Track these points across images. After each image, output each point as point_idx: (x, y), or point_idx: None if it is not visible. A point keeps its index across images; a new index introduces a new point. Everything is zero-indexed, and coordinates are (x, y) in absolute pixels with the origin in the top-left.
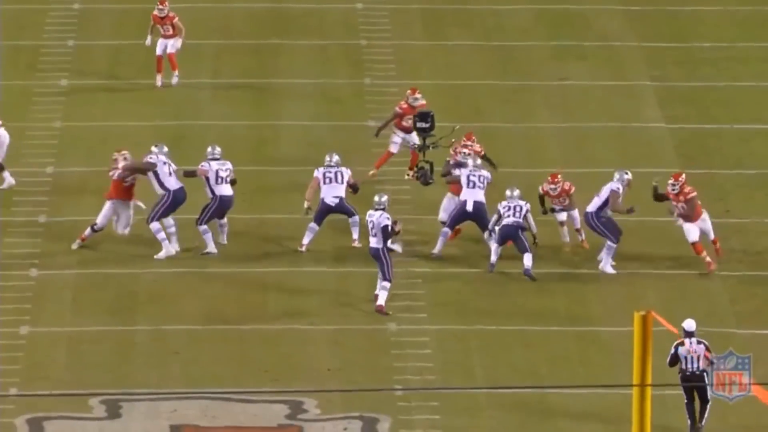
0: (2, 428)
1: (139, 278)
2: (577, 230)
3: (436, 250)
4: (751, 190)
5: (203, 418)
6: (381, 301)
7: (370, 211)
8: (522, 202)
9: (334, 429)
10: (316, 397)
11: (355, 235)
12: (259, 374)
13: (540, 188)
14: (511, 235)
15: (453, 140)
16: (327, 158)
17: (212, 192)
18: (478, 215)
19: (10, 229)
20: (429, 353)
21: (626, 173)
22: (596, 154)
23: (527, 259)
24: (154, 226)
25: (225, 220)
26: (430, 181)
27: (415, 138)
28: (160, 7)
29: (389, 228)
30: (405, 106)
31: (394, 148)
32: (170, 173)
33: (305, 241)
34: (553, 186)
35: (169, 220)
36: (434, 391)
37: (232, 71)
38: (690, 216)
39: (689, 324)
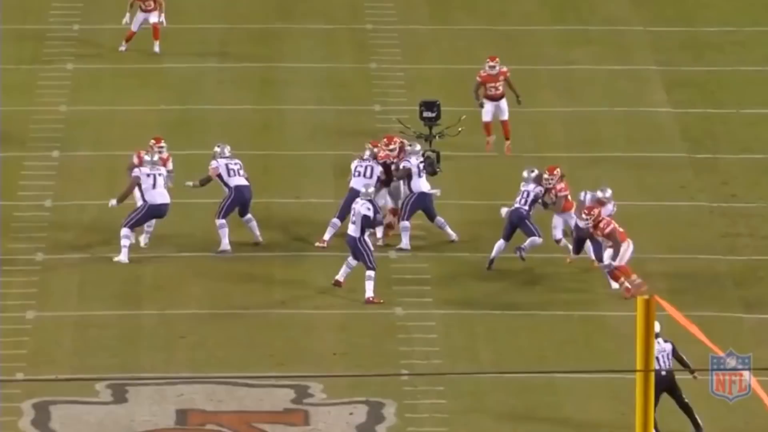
0: (8, 412)
1: (145, 263)
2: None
3: (405, 244)
4: (757, 174)
5: (209, 403)
6: (369, 293)
7: (358, 199)
8: (531, 187)
9: (339, 413)
10: (321, 382)
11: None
12: (265, 358)
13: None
14: (514, 222)
15: (459, 129)
16: (364, 154)
17: (227, 185)
18: (428, 205)
19: (16, 213)
20: (435, 338)
21: (607, 190)
22: (602, 139)
23: (528, 242)
24: (124, 231)
25: (249, 215)
26: (438, 170)
27: (503, 107)
28: None
29: (368, 219)
30: (484, 74)
31: (487, 117)
32: (154, 186)
33: (327, 236)
34: (548, 176)
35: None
36: (440, 375)
37: (238, 56)
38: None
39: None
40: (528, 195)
